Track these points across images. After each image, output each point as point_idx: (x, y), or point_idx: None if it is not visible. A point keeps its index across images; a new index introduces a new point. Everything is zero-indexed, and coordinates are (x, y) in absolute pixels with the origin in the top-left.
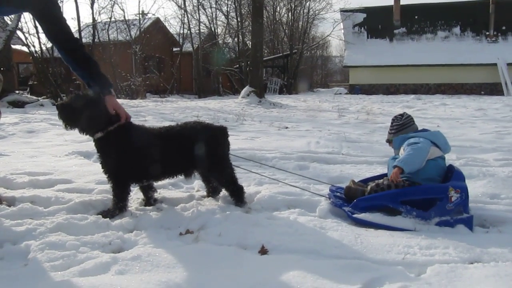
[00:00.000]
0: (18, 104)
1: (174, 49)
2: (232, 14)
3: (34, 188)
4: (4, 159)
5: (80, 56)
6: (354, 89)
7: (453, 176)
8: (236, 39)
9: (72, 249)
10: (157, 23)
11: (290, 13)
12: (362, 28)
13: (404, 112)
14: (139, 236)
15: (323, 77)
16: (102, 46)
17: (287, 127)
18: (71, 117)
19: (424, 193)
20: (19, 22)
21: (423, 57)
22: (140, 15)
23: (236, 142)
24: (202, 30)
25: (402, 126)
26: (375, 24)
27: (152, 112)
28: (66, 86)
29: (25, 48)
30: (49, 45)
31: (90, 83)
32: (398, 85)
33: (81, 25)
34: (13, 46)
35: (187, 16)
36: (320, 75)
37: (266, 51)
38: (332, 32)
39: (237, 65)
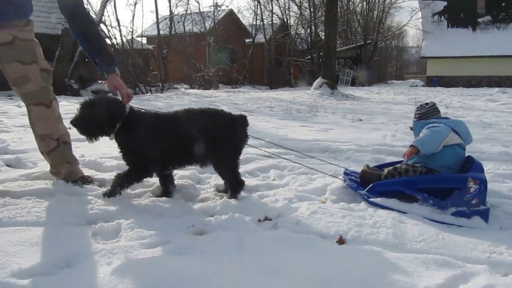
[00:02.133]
0: (101, 93)
1: (247, 40)
2: (305, 4)
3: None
4: (93, 144)
5: (91, 32)
6: (432, 81)
7: (472, 167)
8: (308, 30)
9: (159, 229)
10: (231, 14)
11: (364, 3)
12: (442, 16)
13: (431, 101)
14: (220, 221)
15: (398, 68)
16: (178, 38)
17: (361, 120)
18: (89, 130)
19: (442, 181)
20: (103, 16)
21: (510, 47)
22: (214, 7)
23: (310, 133)
24: (274, 21)
25: (424, 115)
26: (457, 12)
27: (225, 102)
28: (144, 77)
29: (106, 40)
30: (129, 37)
31: (96, 60)
32: (480, 77)
33: (159, 17)
34: None
35: (260, 7)
36: (395, 67)
37: (339, 42)
38: (410, 21)
39: (309, 56)
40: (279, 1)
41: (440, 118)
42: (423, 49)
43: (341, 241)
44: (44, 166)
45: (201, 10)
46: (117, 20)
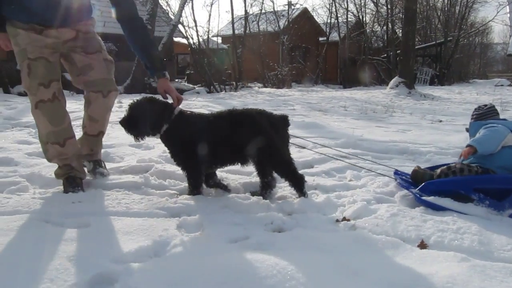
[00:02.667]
0: (178, 91)
1: (320, 39)
2: (382, 1)
3: None
4: None
5: (145, 41)
6: None
7: None
8: (384, 27)
9: (240, 224)
10: (305, 13)
11: None
12: None
13: (490, 103)
14: (298, 219)
15: (481, 66)
16: (252, 37)
17: (441, 121)
18: (135, 130)
19: (499, 182)
20: (181, 17)
21: None
22: (288, 6)
23: (387, 134)
24: (349, 19)
25: (482, 115)
26: None
27: (299, 101)
28: (219, 76)
29: (183, 40)
30: (205, 37)
31: (147, 64)
32: None
33: (234, 17)
34: (174, 39)
35: (335, 5)
36: (478, 65)
37: (417, 39)
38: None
39: (385, 55)
40: None
41: (498, 119)
42: (511, 45)
43: (422, 245)
44: (130, 160)
45: (275, 9)
46: (194, 21)
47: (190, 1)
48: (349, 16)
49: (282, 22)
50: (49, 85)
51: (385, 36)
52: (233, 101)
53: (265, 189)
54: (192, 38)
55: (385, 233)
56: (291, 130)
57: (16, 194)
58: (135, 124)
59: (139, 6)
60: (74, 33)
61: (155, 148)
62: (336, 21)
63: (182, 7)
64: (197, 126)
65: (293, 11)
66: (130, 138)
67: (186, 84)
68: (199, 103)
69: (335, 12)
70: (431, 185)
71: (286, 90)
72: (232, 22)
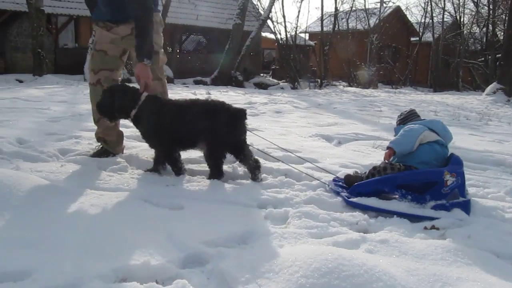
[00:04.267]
0: (262, 86)
1: (412, 39)
2: (483, 1)
3: (289, 163)
4: (259, 134)
5: (139, 25)
6: None
7: (450, 161)
8: (484, 29)
9: (324, 221)
10: (397, 11)
11: None
12: None
13: (410, 108)
14: (384, 222)
15: None
16: (340, 35)
17: None
18: (107, 112)
19: (419, 177)
20: (270, 12)
21: None
22: (380, 4)
23: (481, 144)
24: (445, 19)
25: (404, 120)
26: None
27: (386, 103)
28: (304, 72)
29: (270, 35)
30: (293, 33)
31: (135, 48)
32: None
33: (324, 14)
34: (261, 33)
35: (431, 4)
36: None
37: None
38: None
39: (482, 58)
40: None
41: (418, 121)
42: None
43: None
44: None
45: (367, 6)
46: (283, 16)
47: None
48: (445, 16)
49: (373, 20)
50: (97, 72)
51: (484, 38)
52: (318, 99)
53: (253, 172)
54: (280, 34)
55: (477, 246)
56: (377, 133)
57: (117, 173)
58: (106, 108)
59: (230, 1)
60: (129, 30)
61: None
62: (430, 20)
63: (272, 2)
64: (161, 111)
65: (385, 9)
66: None
67: (270, 79)
68: (284, 98)
69: (430, 11)
70: (358, 187)
71: (372, 91)
72: (321, 19)
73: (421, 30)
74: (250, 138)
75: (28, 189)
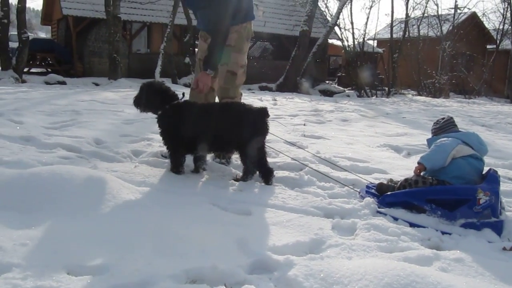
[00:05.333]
0: (327, 93)
1: (489, 47)
2: None
3: (356, 173)
4: (326, 142)
5: (210, 35)
6: None
7: (486, 178)
8: None
9: (395, 235)
10: (473, 18)
11: None
12: None
13: (447, 115)
14: (458, 240)
15: None
16: (411, 42)
17: None
18: (140, 103)
19: (451, 193)
20: (338, 19)
21: None
22: (455, 10)
23: None
24: None
25: (439, 129)
26: None
27: (458, 114)
28: (371, 80)
29: (336, 42)
30: (361, 39)
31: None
32: None
33: (394, 20)
34: (328, 40)
35: (511, 10)
36: None
37: None
38: None
39: None
40: None
41: (456, 131)
42: None
43: None
44: (285, 157)
45: (440, 13)
46: (351, 23)
47: (349, 3)
48: None
49: (446, 27)
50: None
51: None
52: (386, 108)
53: (246, 174)
54: (347, 41)
55: None
56: None
57: (187, 176)
58: (139, 101)
59: (298, 8)
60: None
61: (308, 148)
62: (509, 27)
63: (340, 9)
64: (184, 116)
65: (460, 16)
66: (285, 135)
67: (336, 86)
68: (350, 106)
69: (510, 18)
70: (388, 197)
71: (443, 100)
72: (391, 26)
73: (499, 37)
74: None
75: (104, 188)
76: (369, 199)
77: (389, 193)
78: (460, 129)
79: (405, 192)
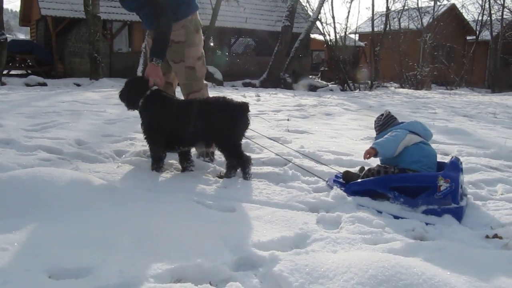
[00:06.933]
0: (311, 88)
1: (468, 38)
2: None
3: (339, 166)
4: (310, 137)
5: (156, 28)
6: None
7: (448, 165)
8: None
9: (379, 227)
10: (452, 9)
11: None
12: None
13: (385, 111)
14: (442, 229)
15: None
16: (392, 35)
17: None
18: (124, 100)
19: (413, 180)
20: (319, 14)
21: None
22: (434, 2)
23: None
24: (505, 16)
25: (383, 126)
26: None
27: (441, 105)
28: (354, 73)
29: (319, 37)
30: (342, 34)
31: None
32: None
33: (375, 14)
34: (310, 35)
35: (489, 1)
36: None
37: None
38: None
39: None
40: None
41: (396, 124)
42: None
43: None
44: (269, 152)
45: (420, 5)
46: (333, 17)
47: None
48: (505, 12)
49: (426, 19)
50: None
51: None
52: (369, 101)
53: (229, 170)
54: (329, 35)
55: None
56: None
57: (170, 174)
58: (123, 95)
59: (279, 3)
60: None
61: (292, 143)
62: (488, 18)
63: (321, 3)
64: (164, 105)
65: (439, 8)
66: (268, 131)
67: (319, 81)
68: (334, 100)
69: (488, 9)
70: (353, 186)
71: (425, 92)
72: (372, 19)
73: (478, 29)
74: (302, 141)
75: (87, 190)
76: (337, 191)
77: (355, 181)
78: (402, 121)
79: (370, 180)
